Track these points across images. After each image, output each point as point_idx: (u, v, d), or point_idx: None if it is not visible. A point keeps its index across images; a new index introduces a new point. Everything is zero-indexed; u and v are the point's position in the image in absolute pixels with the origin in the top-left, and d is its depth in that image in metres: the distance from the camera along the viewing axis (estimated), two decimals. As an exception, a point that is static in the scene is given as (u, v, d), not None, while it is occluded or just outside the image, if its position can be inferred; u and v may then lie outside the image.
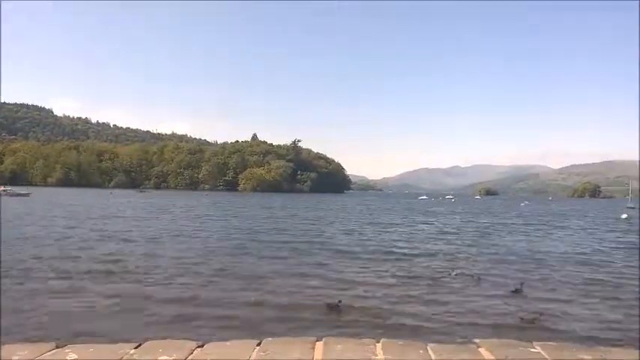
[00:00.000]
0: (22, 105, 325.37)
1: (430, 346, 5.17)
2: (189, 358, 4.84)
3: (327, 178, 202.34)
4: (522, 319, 9.30)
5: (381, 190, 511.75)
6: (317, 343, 5.37)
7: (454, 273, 14.49)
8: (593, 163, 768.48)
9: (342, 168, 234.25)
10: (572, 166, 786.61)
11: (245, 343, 5.55)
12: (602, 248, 22.28)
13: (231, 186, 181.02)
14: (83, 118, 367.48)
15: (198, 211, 47.90)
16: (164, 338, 6.11)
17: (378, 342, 5.33)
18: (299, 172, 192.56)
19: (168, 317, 8.99)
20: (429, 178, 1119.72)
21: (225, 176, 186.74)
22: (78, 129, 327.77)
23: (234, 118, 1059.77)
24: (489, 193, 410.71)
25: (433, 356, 4.84)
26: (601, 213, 70.50)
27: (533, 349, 5.04)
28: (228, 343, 5.66)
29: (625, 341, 8.23)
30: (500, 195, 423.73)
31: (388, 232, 29.37)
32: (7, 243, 18.27)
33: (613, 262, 17.49)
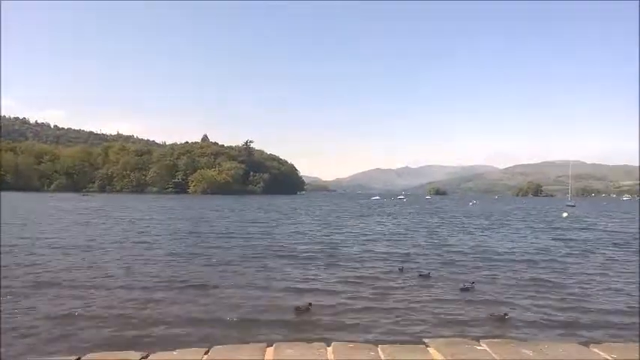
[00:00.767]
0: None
1: (380, 347, 5.22)
2: (133, 369, 4.63)
3: (280, 179, 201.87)
4: (492, 315, 9.47)
5: (334, 191, 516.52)
6: (267, 348, 5.29)
7: (404, 271, 14.77)
8: (536, 164, 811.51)
9: (295, 169, 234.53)
10: (516, 166, 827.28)
11: (192, 351, 5.39)
12: (547, 246, 23.18)
13: (181, 188, 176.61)
14: (21, 118, 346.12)
15: (143, 214, 46.27)
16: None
17: (329, 345, 5.32)
18: (251, 174, 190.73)
19: (109, 328, 8.55)
20: (381, 178, 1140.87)
21: (175, 178, 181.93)
22: (15, 129, 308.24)
23: (184, 118, 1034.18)
24: (439, 192, 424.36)
25: (383, 357, 4.88)
26: (544, 211, 74.25)
27: (479, 347, 5.19)
28: (175, 352, 5.47)
29: (573, 330, 8.68)
30: (450, 195, 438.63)
31: (340, 233, 29.57)
32: None
33: (557, 259, 18.24)
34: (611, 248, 22.56)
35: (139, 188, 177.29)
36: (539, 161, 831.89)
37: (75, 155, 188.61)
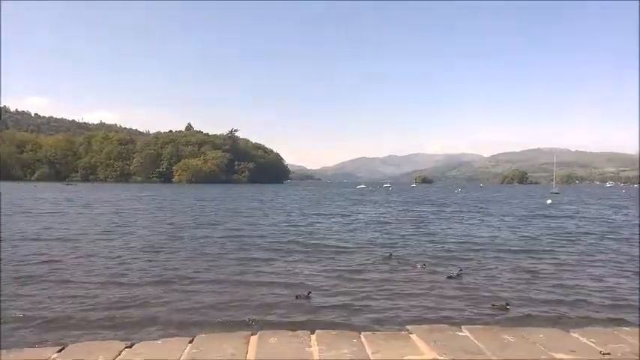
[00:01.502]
0: None
1: (363, 335, 5.28)
2: (118, 359, 4.62)
3: (266, 168, 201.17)
4: (493, 305, 9.52)
5: (320, 180, 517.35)
6: (251, 337, 5.32)
7: (392, 258, 14.91)
8: (521, 151, 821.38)
9: (281, 158, 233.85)
10: (501, 153, 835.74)
11: (177, 340, 5.39)
12: (532, 234, 23.32)
13: (166, 177, 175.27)
14: (1, 106, 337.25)
15: (126, 204, 45.80)
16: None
17: (313, 333, 5.36)
18: (236, 163, 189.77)
19: (94, 319, 8.49)
20: (367, 167, 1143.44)
21: (159, 167, 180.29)
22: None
23: (168, 107, 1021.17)
24: (425, 181, 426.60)
25: (366, 344, 4.94)
26: (529, 198, 75.31)
27: (461, 333, 5.28)
28: (159, 342, 5.46)
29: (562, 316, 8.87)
30: (435, 183, 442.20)
31: (327, 222, 29.67)
32: None
33: (542, 248, 18.38)
34: (595, 237, 22.87)
35: (123, 178, 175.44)
36: (524, 149, 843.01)
37: (57, 144, 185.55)
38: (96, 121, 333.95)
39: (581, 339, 5.11)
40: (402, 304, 9.69)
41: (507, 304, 9.46)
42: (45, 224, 24.64)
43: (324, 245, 18.33)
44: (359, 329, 5.99)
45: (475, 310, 9.33)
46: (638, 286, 11.49)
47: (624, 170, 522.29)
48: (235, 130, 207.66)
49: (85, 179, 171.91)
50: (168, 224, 26.27)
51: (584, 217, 35.51)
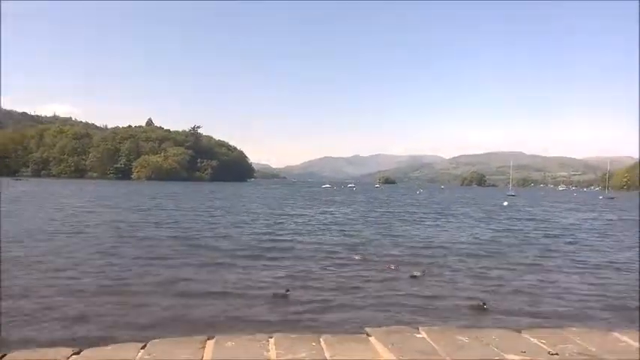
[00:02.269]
0: None
1: (323, 338, 5.25)
2: (62, 367, 4.41)
3: (229, 166, 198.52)
4: (472, 306, 9.63)
5: (285, 179, 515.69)
6: (208, 341, 5.19)
7: (360, 261, 14.97)
8: (480, 154, 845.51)
9: (245, 156, 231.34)
10: (462, 156, 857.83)
11: (128, 346, 5.20)
12: (489, 236, 23.91)
13: (124, 174, 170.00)
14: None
15: (74, 201, 44.02)
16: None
17: (271, 337, 5.29)
18: (199, 160, 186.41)
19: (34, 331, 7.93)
20: (332, 166, 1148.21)
21: (117, 164, 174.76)
22: None
23: (128, 101, 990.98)
24: (388, 181, 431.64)
25: (325, 348, 4.91)
26: (486, 200, 77.72)
27: (418, 335, 5.34)
28: (109, 347, 5.25)
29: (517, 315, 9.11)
30: (398, 183, 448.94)
31: (290, 222, 29.56)
32: None
33: (499, 250, 18.75)
34: (548, 238, 23.77)
35: (78, 173, 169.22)
36: (483, 152, 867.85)
37: (6, 138, 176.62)
38: (49, 114, 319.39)
39: (532, 339, 5.26)
40: (363, 306, 9.73)
41: (484, 304, 9.58)
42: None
43: (285, 247, 17.91)
44: (319, 332, 5.95)
45: (436, 311, 9.49)
46: (587, 286, 12.06)
47: (575, 174, 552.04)
48: (198, 127, 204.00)
49: (37, 174, 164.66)
50: (119, 223, 24.98)
51: (539, 219, 36.94)
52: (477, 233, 25.11)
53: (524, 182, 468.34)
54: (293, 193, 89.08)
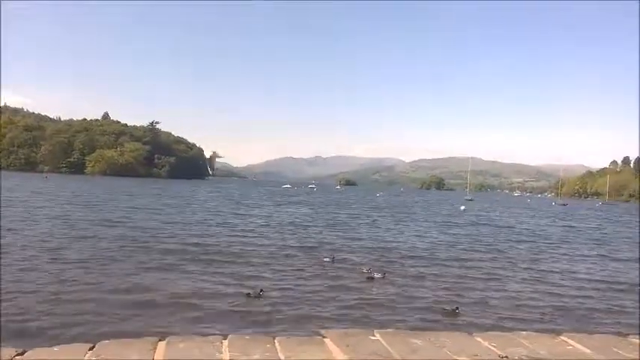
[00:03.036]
0: None
1: (277, 340, 5.15)
2: (3, 369, 4.12)
3: (188, 163, 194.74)
4: (444, 309, 9.73)
5: (245, 178, 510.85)
6: (159, 342, 5.01)
7: (327, 259, 14.94)
8: (440, 158, 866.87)
9: (204, 153, 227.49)
10: (421, 160, 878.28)
11: (75, 347, 4.91)
12: (445, 240, 24.59)
13: (77, 168, 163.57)
14: None
15: (20, 195, 41.98)
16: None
17: (225, 338, 5.16)
18: (156, 156, 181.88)
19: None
20: (293, 166, 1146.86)
21: (70, 157, 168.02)
22: None
23: (83, 93, 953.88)
24: (349, 183, 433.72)
25: (279, 349, 4.82)
26: (444, 204, 79.61)
27: (373, 337, 5.32)
28: (55, 348, 4.96)
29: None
30: (359, 185, 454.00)
31: (246, 222, 29.27)
32: None
33: (457, 255, 19.24)
34: (506, 241, 24.58)
35: (29, 166, 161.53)
36: (442, 156, 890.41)
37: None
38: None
39: (484, 343, 5.35)
40: (322, 308, 9.72)
41: (457, 309, 9.69)
42: None
43: (238, 250, 17.39)
44: (274, 334, 5.87)
45: (392, 313, 9.59)
46: (539, 291, 12.52)
47: (529, 181, 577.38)
48: (157, 123, 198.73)
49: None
50: (66, 220, 24.01)
51: (495, 224, 38.18)
52: (432, 237, 25.64)
53: (481, 187, 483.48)
54: (251, 192, 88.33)
